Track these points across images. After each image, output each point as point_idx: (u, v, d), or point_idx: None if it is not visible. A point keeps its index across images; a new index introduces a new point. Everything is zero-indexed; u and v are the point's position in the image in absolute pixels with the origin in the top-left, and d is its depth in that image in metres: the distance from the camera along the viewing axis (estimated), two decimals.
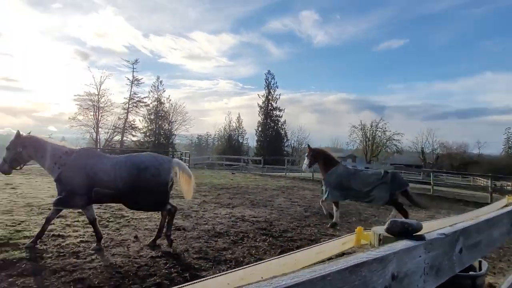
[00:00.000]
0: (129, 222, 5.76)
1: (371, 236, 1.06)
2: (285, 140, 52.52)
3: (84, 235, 4.80)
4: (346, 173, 6.60)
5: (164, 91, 46.46)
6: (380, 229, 0.98)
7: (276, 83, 53.05)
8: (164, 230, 4.66)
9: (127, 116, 42.38)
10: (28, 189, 8.81)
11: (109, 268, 3.62)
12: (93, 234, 4.87)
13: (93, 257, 3.94)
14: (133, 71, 43.19)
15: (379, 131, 49.40)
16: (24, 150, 4.32)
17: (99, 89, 40.99)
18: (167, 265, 3.85)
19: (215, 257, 4.23)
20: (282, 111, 53.20)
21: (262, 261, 1.79)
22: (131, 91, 43.09)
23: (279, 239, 5.30)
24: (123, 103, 42.73)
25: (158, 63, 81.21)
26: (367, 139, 50.34)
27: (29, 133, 4.52)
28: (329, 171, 6.77)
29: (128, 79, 43.09)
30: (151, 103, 44.51)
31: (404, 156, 53.88)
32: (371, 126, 49.86)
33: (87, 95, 40.43)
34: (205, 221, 6.27)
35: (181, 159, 17.35)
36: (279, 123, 53.05)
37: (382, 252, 0.69)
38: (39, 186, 9.44)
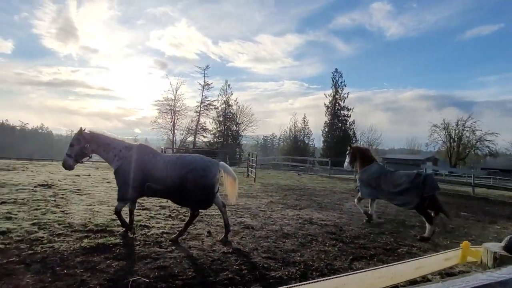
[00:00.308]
0: (202, 217, 6.13)
1: (483, 254, 0.91)
2: (353, 141, 50.01)
3: (165, 227, 5.28)
4: (378, 172, 6.52)
5: (232, 94, 48.58)
6: (494, 246, 0.83)
7: (344, 81, 50.95)
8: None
9: (198, 118, 45.57)
10: None
11: (186, 259, 3.91)
12: (173, 226, 5.34)
13: (173, 247, 4.31)
14: (204, 76, 46.29)
15: (467, 130, 43.09)
16: (88, 145, 4.62)
17: (175, 94, 45.06)
18: (238, 261, 3.98)
19: (284, 258, 4.22)
20: (351, 111, 50.83)
21: (356, 272, 1.67)
22: (202, 95, 46.25)
23: (350, 245, 5.04)
24: (196, 106, 46.10)
25: (226, 68, 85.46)
26: (451, 140, 44.47)
27: (84, 129, 4.68)
28: (363, 169, 6.74)
29: (200, 84, 46.34)
30: (220, 105, 47.05)
31: (500, 159, 46.30)
32: (457, 125, 43.83)
33: (165, 100, 44.82)
34: (272, 221, 6.32)
35: (248, 160, 17.86)
36: (347, 123, 50.77)
37: (505, 274, 0.58)
38: None
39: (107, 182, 10.10)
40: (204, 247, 4.43)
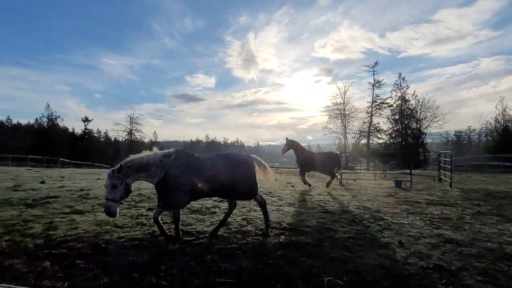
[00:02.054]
0: (389, 225, 5.67)
1: None
2: None
3: (350, 231, 5.25)
4: None
5: (408, 87, 42.94)
6: None
7: None
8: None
9: (371, 119, 43.08)
10: (302, 187, 10.98)
11: (379, 268, 3.70)
12: (358, 232, 5.22)
13: (362, 253, 4.19)
14: (373, 74, 43.47)
15: None
16: (129, 179, 4.16)
17: (344, 98, 44.68)
18: (443, 281, 3.38)
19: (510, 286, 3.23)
20: None
21: None
22: (373, 94, 43.51)
23: None
24: (366, 107, 43.88)
25: (398, 59, 76.98)
26: None
27: (121, 165, 4.12)
28: None
29: (369, 83, 43.82)
30: (394, 102, 42.63)
31: None
32: None
33: (334, 105, 45.23)
34: (486, 237, 5.00)
35: (439, 161, 15.11)
36: None
37: None
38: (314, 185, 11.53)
39: (291, 186, 11.22)
40: (396, 258, 4.05)
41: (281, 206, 7.40)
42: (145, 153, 4.42)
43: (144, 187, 9.93)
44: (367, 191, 10.24)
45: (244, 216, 6.15)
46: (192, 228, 5.30)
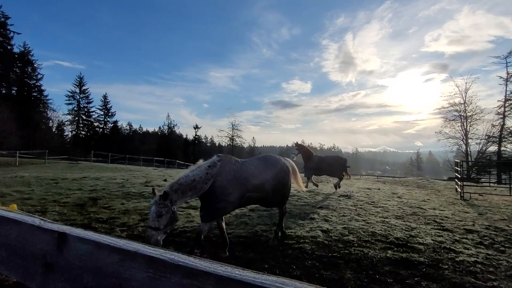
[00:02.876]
0: None
1: None
2: None
3: (477, 255, 4.41)
4: None
5: None
6: None
7: None
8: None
9: (503, 121, 35.20)
10: (410, 199, 9.83)
11: None
12: (488, 257, 4.36)
13: (495, 283, 3.47)
14: (506, 67, 35.45)
15: None
16: (175, 206, 3.57)
17: (465, 97, 37.84)
18: None
19: None
20: None
21: None
22: (505, 91, 35.46)
23: None
24: (497, 107, 36.06)
25: None
26: None
27: (164, 192, 3.52)
28: None
29: (500, 77, 35.91)
30: None
31: None
32: None
33: (451, 106, 38.70)
34: None
35: None
36: None
37: None
38: (419, 197, 10.23)
39: (398, 197, 10.16)
40: None
41: (386, 218, 6.79)
42: (191, 168, 3.88)
43: None
44: (500, 209, 8.40)
45: (345, 225, 5.90)
46: (292, 232, 5.38)
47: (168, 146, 62.43)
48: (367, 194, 10.42)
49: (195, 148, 66.24)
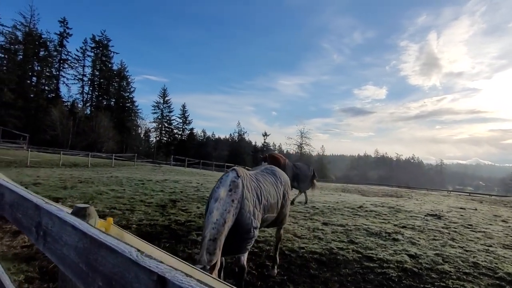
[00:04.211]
0: None
1: None
2: None
3: None
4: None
5: None
6: None
7: None
8: None
9: None
10: None
11: None
12: None
13: None
14: None
15: None
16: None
17: None
18: None
19: None
20: None
21: None
22: None
23: None
24: None
25: None
26: None
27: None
28: None
29: None
30: None
31: None
32: None
33: None
34: None
35: None
36: None
37: None
38: None
39: (502, 221, 8.48)
40: None
41: (490, 246, 5.65)
42: (212, 206, 2.76)
43: (316, 200, 10.20)
44: None
45: (437, 251, 5.08)
46: (372, 253, 4.85)
47: (238, 153, 64.94)
48: (461, 215, 8.95)
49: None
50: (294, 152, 70.84)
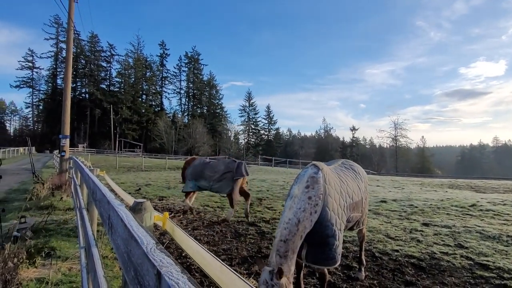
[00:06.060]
0: None
1: None
2: None
3: None
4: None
5: None
6: None
7: None
8: None
9: None
10: None
11: None
12: None
13: None
14: None
15: None
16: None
17: None
18: None
19: None
20: None
21: None
22: None
23: None
24: None
25: None
26: None
27: None
28: None
29: None
30: None
31: None
32: None
33: None
34: None
35: None
36: None
37: None
38: None
39: None
40: None
41: None
42: (288, 204, 2.50)
43: (415, 197, 9.05)
44: None
45: None
46: (488, 260, 4.00)
47: (325, 149, 63.26)
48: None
49: (353, 151, 63.97)
50: (388, 146, 64.84)
